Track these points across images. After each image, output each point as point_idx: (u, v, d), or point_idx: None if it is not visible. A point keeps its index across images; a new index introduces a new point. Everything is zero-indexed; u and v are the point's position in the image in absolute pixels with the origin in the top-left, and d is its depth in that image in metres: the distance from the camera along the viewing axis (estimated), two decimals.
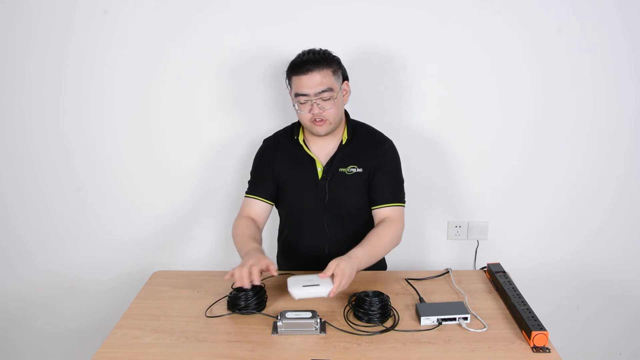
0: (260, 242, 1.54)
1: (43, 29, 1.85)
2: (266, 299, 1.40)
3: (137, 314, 1.41)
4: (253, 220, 1.60)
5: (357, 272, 1.40)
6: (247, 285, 1.33)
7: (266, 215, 1.65)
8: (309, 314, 1.29)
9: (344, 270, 1.32)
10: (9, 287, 2.13)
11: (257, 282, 1.34)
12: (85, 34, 1.85)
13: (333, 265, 1.33)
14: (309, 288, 1.31)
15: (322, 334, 1.27)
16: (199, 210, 2.04)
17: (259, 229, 1.60)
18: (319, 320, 1.29)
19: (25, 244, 2.08)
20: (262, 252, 1.44)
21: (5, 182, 2.02)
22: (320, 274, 1.33)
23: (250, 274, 1.32)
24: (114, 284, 2.10)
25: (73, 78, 1.90)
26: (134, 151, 1.97)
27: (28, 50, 1.87)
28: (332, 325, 1.31)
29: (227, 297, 1.42)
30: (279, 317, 1.29)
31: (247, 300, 1.36)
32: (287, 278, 1.40)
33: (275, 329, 1.29)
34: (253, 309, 1.37)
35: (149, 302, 1.47)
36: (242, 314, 1.37)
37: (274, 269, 1.37)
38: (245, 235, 1.53)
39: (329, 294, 1.30)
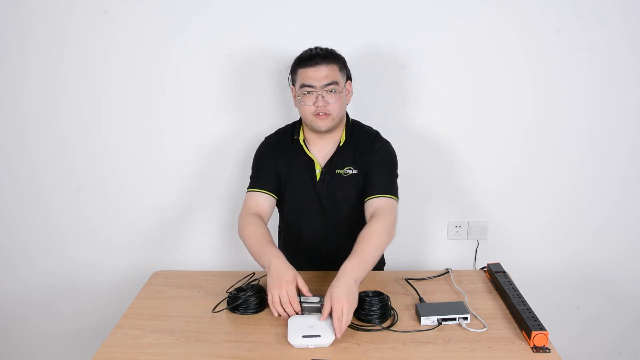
0: (273, 243, 1.48)
1: (43, 29, 1.85)
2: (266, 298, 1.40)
3: (137, 314, 1.41)
4: (260, 217, 1.55)
5: (359, 283, 1.32)
6: (293, 314, 1.30)
7: (271, 209, 1.61)
8: (317, 299, 1.34)
9: (340, 298, 1.24)
10: (9, 287, 2.13)
11: (299, 312, 1.31)
12: (85, 34, 1.85)
13: (328, 300, 1.26)
14: (309, 339, 1.22)
15: None
16: (199, 210, 2.03)
17: (266, 225, 1.55)
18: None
19: (25, 244, 2.08)
20: (285, 261, 1.37)
21: (5, 182, 2.02)
22: (321, 317, 1.27)
23: (291, 303, 1.30)
24: (114, 284, 2.10)
25: (73, 78, 1.90)
26: (134, 151, 1.97)
27: (28, 50, 1.87)
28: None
29: (227, 298, 1.43)
30: None
31: (247, 301, 1.37)
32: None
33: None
34: (253, 309, 1.37)
35: (149, 302, 1.47)
36: (242, 314, 1.37)
37: (306, 290, 1.34)
38: (260, 236, 1.46)
39: (334, 337, 1.22)
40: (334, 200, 1.60)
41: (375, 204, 1.51)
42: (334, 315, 1.24)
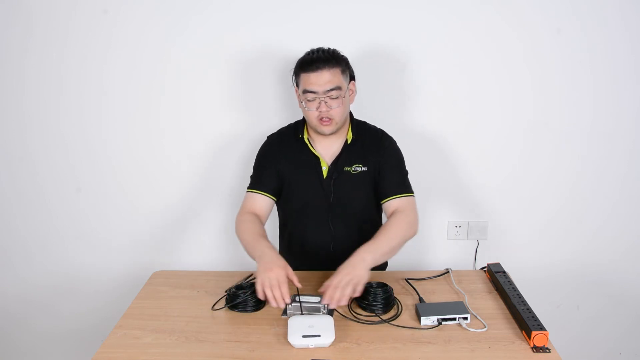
0: (267, 239, 1.51)
1: (43, 29, 1.85)
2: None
3: (137, 314, 1.41)
4: (257, 216, 1.58)
5: (370, 263, 1.37)
6: (282, 306, 1.32)
7: (269, 211, 1.63)
8: (317, 299, 1.35)
9: (342, 270, 1.33)
10: (9, 287, 2.13)
11: (288, 301, 1.32)
12: (85, 34, 1.85)
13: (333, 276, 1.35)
14: (309, 339, 1.22)
15: None
16: (200, 210, 2.03)
17: (263, 225, 1.57)
18: (327, 305, 1.33)
19: (25, 244, 2.08)
20: (277, 253, 1.43)
21: (5, 182, 2.02)
22: (321, 289, 1.34)
23: (281, 292, 1.31)
24: (114, 284, 2.10)
25: (73, 78, 1.90)
26: (134, 151, 1.97)
27: (28, 50, 1.87)
28: (338, 312, 1.34)
29: (226, 295, 1.44)
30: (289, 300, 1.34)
31: (245, 299, 1.38)
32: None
33: (285, 311, 1.36)
34: (252, 307, 1.38)
35: (149, 302, 1.47)
36: (241, 311, 1.38)
37: (296, 280, 1.36)
38: (254, 232, 1.50)
39: (334, 337, 1.24)
40: (341, 197, 1.60)
41: (394, 205, 1.56)
42: (331, 283, 1.31)
